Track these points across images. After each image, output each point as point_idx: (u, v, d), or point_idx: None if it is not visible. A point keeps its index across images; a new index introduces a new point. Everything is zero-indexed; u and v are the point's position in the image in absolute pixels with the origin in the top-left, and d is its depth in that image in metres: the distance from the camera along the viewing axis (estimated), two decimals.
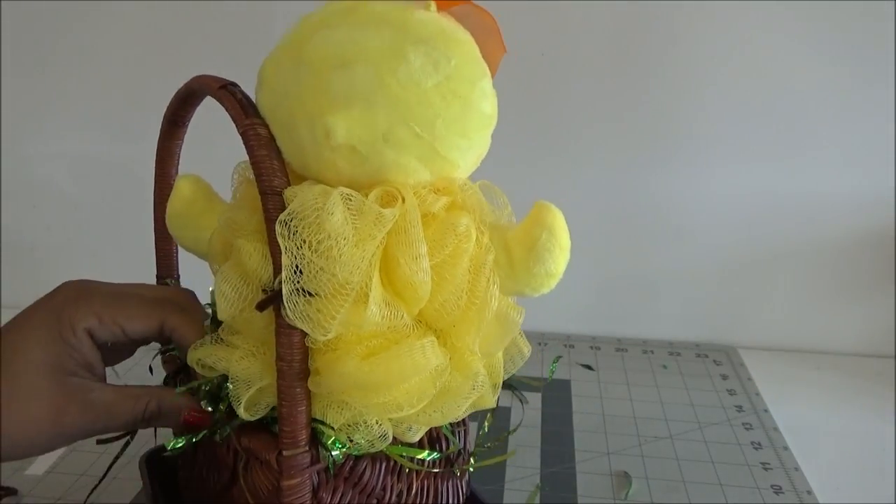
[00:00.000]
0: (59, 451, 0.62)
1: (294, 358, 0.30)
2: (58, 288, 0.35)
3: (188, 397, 0.36)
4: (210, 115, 0.41)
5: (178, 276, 0.45)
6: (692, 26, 0.71)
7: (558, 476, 0.58)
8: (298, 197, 0.29)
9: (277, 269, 0.29)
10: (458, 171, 0.32)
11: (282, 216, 0.29)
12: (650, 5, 0.71)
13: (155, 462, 0.47)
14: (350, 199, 0.30)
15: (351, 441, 0.32)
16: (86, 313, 0.33)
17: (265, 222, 0.30)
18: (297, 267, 0.29)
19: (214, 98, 0.33)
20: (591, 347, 0.81)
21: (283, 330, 0.30)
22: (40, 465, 0.60)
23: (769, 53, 0.71)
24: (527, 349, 0.36)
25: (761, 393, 0.72)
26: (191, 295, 0.39)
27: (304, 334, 0.30)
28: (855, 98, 0.72)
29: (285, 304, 0.29)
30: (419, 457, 0.36)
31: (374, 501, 0.36)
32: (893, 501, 0.57)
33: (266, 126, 0.31)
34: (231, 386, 0.32)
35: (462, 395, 0.32)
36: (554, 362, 0.47)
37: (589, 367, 0.59)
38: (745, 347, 0.82)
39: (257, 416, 0.33)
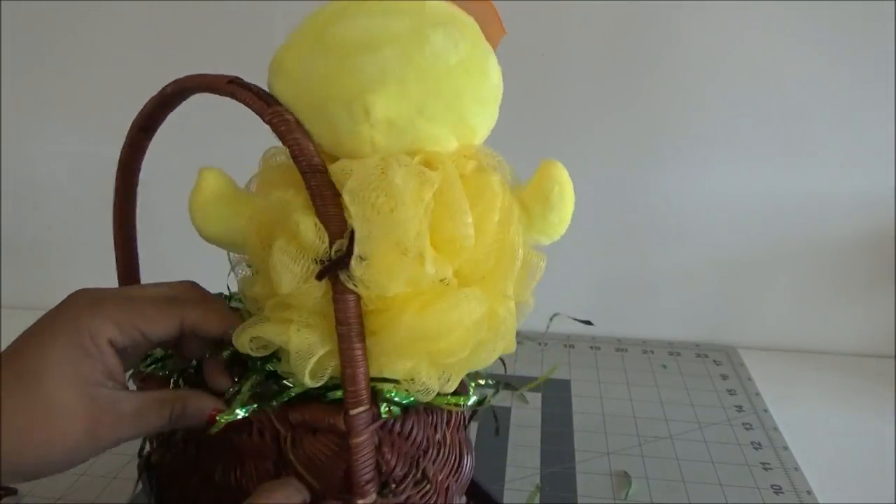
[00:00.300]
0: None
1: (353, 321, 0.32)
2: (68, 299, 0.34)
3: (212, 397, 0.36)
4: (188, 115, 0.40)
5: None
6: (692, 26, 0.71)
7: (558, 476, 0.58)
8: (359, 168, 0.32)
9: (333, 238, 0.31)
10: (477, 138, 0.36)
11: (350, 184, 0.31)
12: (650, 5, 0.71)
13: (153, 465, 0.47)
14: (406, 166, 0.32)
15: (406, 394, 0.34)
16: (104, 322, 0.32)
17: (311, 198, 0.31)
18: (358, 232, 0.31)
19: (223, 94, 0.34)
20: (591, 347, 0.81)
21: (341, 296, 0.32)
22: None
23: (769, 53, 0.71)
24: (532, 301, 0.39)
25: (761, 393, 0.72)
26: (196, 285, 0.39)
27: (359, 298, 0.32)
28: (855, 98, 0.72)
29: (350, 268, 0.31)
30: (464, 403, 0.38)
31: (421, 453, 0.37)
32: (893, 501, 0.57)
33: (290, 112, 0.33)
34: (293, 358, 0.33)
35: (494, 341, 0.35)
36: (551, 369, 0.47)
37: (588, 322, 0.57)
38: (745, 347, 0.82)
39: (319, 384, 0.34)
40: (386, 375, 0.34)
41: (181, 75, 0.40)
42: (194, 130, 0.41)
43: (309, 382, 0.33)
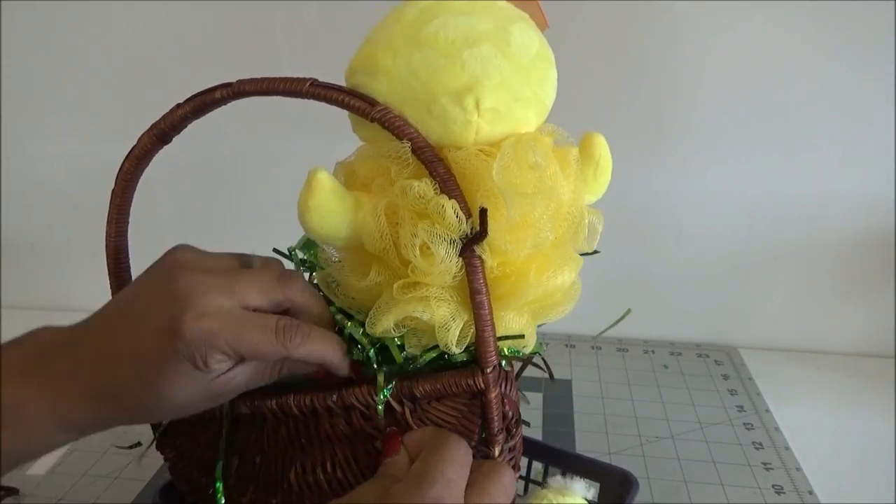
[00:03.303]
0: (61, 451, 0.62)
1: (485, 289, 0.35)
2: (182, 323, 0.35)
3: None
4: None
5: None
6: (692, 26, 0.71)
7: None
8: (505, 149, 0.35)
9: (468, 216, 0.34)
10: (546, 117, 0.40)
11: (498, 166, 0.34)
12: (650, 5, 0.71)
13: (170, 495, 0.47)
14: (539, 146, 0.37)
15: (513, 348, 0.38)
16: (213, 354, 0.35)
17: (440, 184, 0.34)
18: (509, 209, 0.34)
19: (308, 97, 0.35)
20: (593, 347, 0.81)
21: (475, 267, 0.34)
22: (41, 465, 0.60)
23: (769, 53, 0.71)
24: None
25: (762, 393, 0.72)
26: (305, 284, 0.40)
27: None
28: (855, 98, 0.72)
29: (497, 240, 0.34)
30: (538, 351, 0.41)
31: (518, 400, 0.41)
32: (894, 501, 0.57)
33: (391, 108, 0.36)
34: (439, 329, 0.36)
35: (573, 301, 0.40)
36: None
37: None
38: (746, 347, 0.82)
39: (463, 349, 0.37)
40: (501, 334, 0.37)
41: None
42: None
43: (455, 349, 0.36)
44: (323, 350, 0.37)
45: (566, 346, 0.81)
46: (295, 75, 0.36)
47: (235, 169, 0.83)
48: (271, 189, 0.77)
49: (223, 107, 0.38)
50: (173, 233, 0.84)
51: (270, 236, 0.47)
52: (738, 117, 0.74)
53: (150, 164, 0.41)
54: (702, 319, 0.83)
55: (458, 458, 0.34)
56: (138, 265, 0.45)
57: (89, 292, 0.45)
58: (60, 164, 0.85)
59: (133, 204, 0.42)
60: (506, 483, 0.34)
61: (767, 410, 0.69)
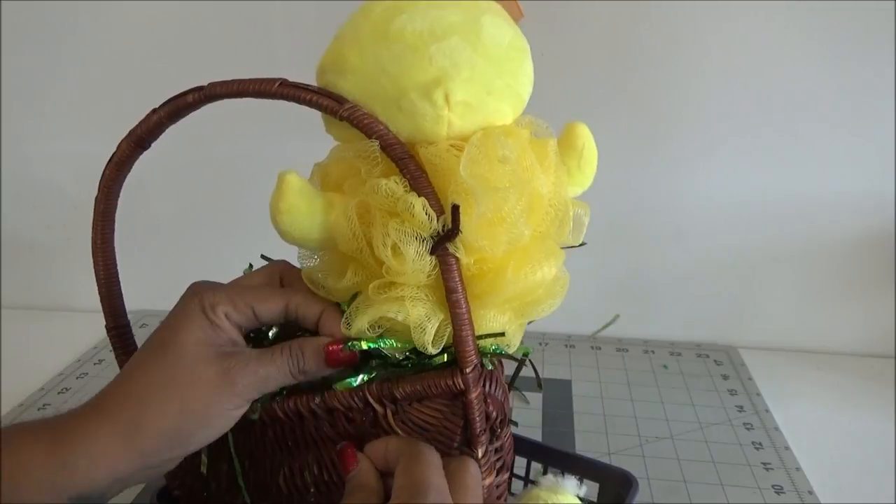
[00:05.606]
0: None
1: (461, 288, 0.34)
2: (190, 290, 0.38)
3: (322, 336, 0.38)
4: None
5: (129, 323, 0.43)
6: (692, 26, 0.71)
7: None
8: (473, 143, 0.35)
9: (440, 213, 0.34)
10: (523, 109, 0.39)
11: (465, 160, 0.34)
12: (650, 5, 0.71)
13: (168, 497, 0.46)
14: (509, 139, 0.36)
15: (494, 345, 0.38)
16: (221, 298, 0.37)
17: (411, 182, 0.34)
18: (480, 205, 0.33)
19: (277, 98, 0.35)
20: (592, 347, 0.81)
21: (450, 266, 0.34)
22: None
23: (769, 53, 0.71)
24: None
25: (762, 393, 0.72)
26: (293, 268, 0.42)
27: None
28: (855, 98, 0.72)
29: (458, 240, 0.33)
30: (524, 352, 0.40)
31: (504, 399, 0.40)
32: (894, 501, 0.57)
33: (360, 106, 0.35)
34: (414, 330, 0.35)
35: (560, 296, 0.39)
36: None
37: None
38: (746, 347, 0.82)
39: (440, 349, 0.36)
40: (482, 332, 0.37)
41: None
42: (187, 129, 0.40)
43: (432, 349, 0.36)
44: (322, 308, 0.38)
45: (566, 346, 0.81)
46: (294, 76, 0.36)
47: (234, 170, 0.83)
48: (269, 191, 0.77)
49: (223, 108, 0.38)
50: (172, 233, 0.84)
51: (269, 237, 0.47)
52: (738, 117, 0.74)
53: (151, 164, 0.41)
54: (702, 319, 0.83)
55: (435, 462, 0.34)
56: (139, 265, 0.45)
57: (89, 292, 0.45)
58: (60, 164, 0.85)
59: (131, 205, 0.42)
60: (475, 474, 0.35)
61: (767, 410, 0.69)
